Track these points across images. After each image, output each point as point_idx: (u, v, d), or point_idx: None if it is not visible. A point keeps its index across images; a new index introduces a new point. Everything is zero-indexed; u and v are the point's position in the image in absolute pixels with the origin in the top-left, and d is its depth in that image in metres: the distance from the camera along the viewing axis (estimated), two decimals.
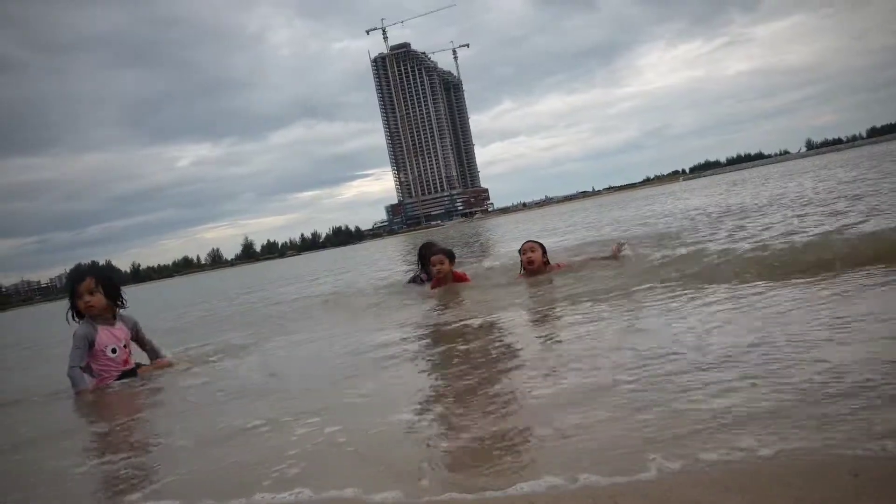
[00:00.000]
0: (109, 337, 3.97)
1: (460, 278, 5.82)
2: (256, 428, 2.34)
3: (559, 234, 13.90)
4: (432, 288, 5.84)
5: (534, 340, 3.27)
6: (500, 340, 3.39)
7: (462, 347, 3.29)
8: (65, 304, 4.06)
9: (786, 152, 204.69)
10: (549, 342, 3.17)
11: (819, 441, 1.42)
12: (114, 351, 3.95)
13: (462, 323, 4.00)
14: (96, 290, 3.91)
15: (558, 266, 5.51)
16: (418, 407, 2.33)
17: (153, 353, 4.24)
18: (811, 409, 1.59)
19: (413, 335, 3.99)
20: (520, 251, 5.59)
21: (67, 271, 5.00)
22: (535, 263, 5.36)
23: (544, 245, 5.59)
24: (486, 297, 4.97)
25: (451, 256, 5.84)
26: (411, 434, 2.02)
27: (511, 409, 2.10)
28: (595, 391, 2.11)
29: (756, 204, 10.54)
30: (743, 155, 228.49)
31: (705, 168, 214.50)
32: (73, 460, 2.44)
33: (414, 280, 6.48)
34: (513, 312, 4.18)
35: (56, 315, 4.59)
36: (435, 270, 5.72)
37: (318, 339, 4.65)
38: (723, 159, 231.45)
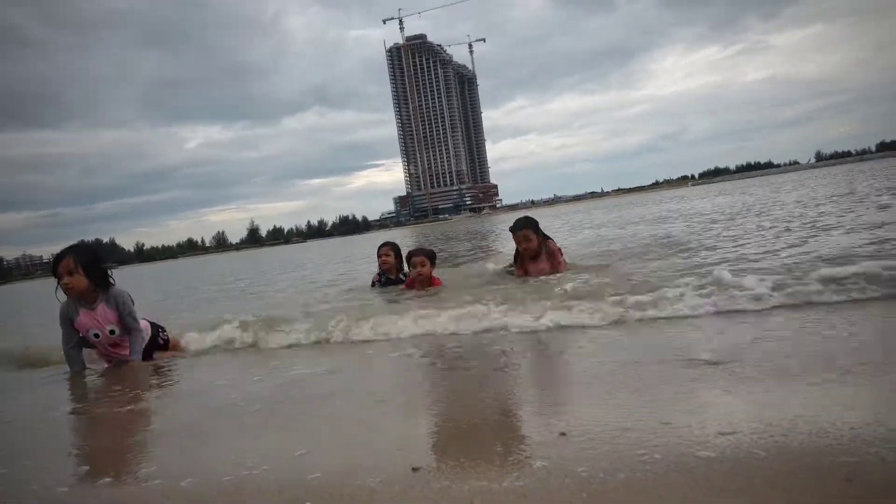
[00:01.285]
0: (90, 321, 3.78)
1: (434, 283, 5.48)
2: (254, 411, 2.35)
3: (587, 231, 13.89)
4: (406, 287, 5.53)
5: (521, 342, 3.26)
6: (487, 340, 3.39)
7: (446, 346, 3.29)
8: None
9: (795, 162, 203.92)
10: (537, 345, 3.16)
11: (813, 445, 1.41)
12: (96, 335, 3.79)
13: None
14: (76, 270, 3.68)
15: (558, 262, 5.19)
16: (412, 399, 2.33)
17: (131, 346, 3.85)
18: (807, 414, 1.59)
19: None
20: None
21: None
22: (531, 250, 5.14)
23: (537, 224, 5.22)
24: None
25: (432, 259, 5.50)
26: (405, 424, 2.02)
27: (506, 406, 2.10)
28: (589, 392, 2.11)
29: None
30: (752, 163, 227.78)
31: (715, 174, 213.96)
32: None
33: (374, 283, 6.14)
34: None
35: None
36: (415, 273, 5.39)
37: None
38: (732, 166, 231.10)
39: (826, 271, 3.29)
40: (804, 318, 2.77)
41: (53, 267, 3.78)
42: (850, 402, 1.67)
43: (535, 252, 5.17)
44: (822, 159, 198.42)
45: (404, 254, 5.93)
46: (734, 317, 3.00)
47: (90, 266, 3.76)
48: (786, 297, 3.10)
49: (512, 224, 5.32)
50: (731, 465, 1.37)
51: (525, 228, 5.20)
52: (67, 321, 3.80)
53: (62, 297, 3.80)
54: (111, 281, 3.89)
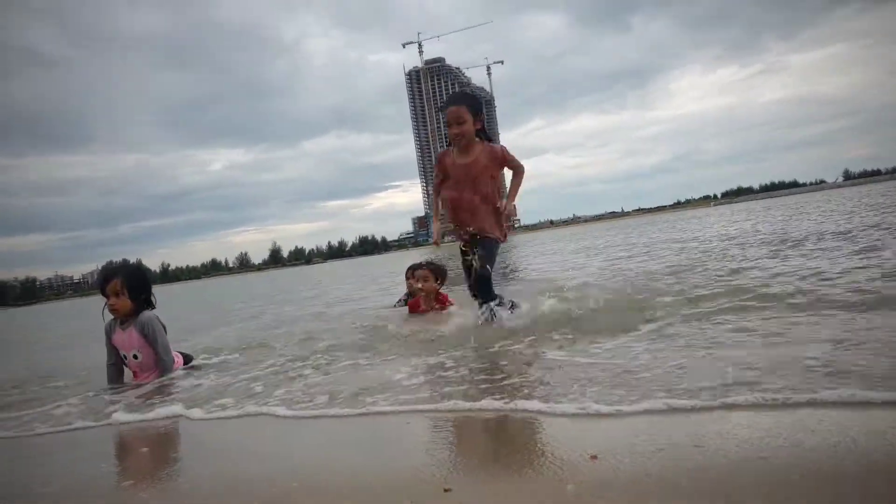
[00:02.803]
0: (122, 342, 3.82)
1: (443, 301, 5.16)
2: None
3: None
4: (410, 311, 5.25)
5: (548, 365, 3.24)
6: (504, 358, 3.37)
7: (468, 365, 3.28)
8: (96, 299, 4.01)
9: (822, 181, 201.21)
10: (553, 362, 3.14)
11: (853, 474, 1.39)
12: (124, 357, 3.84)
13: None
14: (122, 292, 3.74)
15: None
16: (440, 422, 2.33)
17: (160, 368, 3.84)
18: (846, 440, 1.56)
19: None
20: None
21: (100, 268, 4.85)
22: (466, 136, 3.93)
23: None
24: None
25: (438, 274, 5.13)
26: (436, 446, 2.03)
27: (535, 428, 2.09)
28: (620, 415, 2.09)
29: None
30: (777, 182, 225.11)
31: (737, 194, 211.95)
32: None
33: (400, 302, 6.11)
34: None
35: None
36: (418, 287, 5.14)
37: None
38: (756, 186, 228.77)
39: None
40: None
41: (102, 285, 3.83)
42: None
43: (467, 142, 3.90)
44: (849, 178, 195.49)
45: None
46: None
47: (136, 289, 3.81)
48: None
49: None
50: (767, 491, 1.35)
51: (457, 104, 3.77)
52: (107, 338, 3.88)
53: (108, 315, 3.86)
54: (153, 305, 3.92)
